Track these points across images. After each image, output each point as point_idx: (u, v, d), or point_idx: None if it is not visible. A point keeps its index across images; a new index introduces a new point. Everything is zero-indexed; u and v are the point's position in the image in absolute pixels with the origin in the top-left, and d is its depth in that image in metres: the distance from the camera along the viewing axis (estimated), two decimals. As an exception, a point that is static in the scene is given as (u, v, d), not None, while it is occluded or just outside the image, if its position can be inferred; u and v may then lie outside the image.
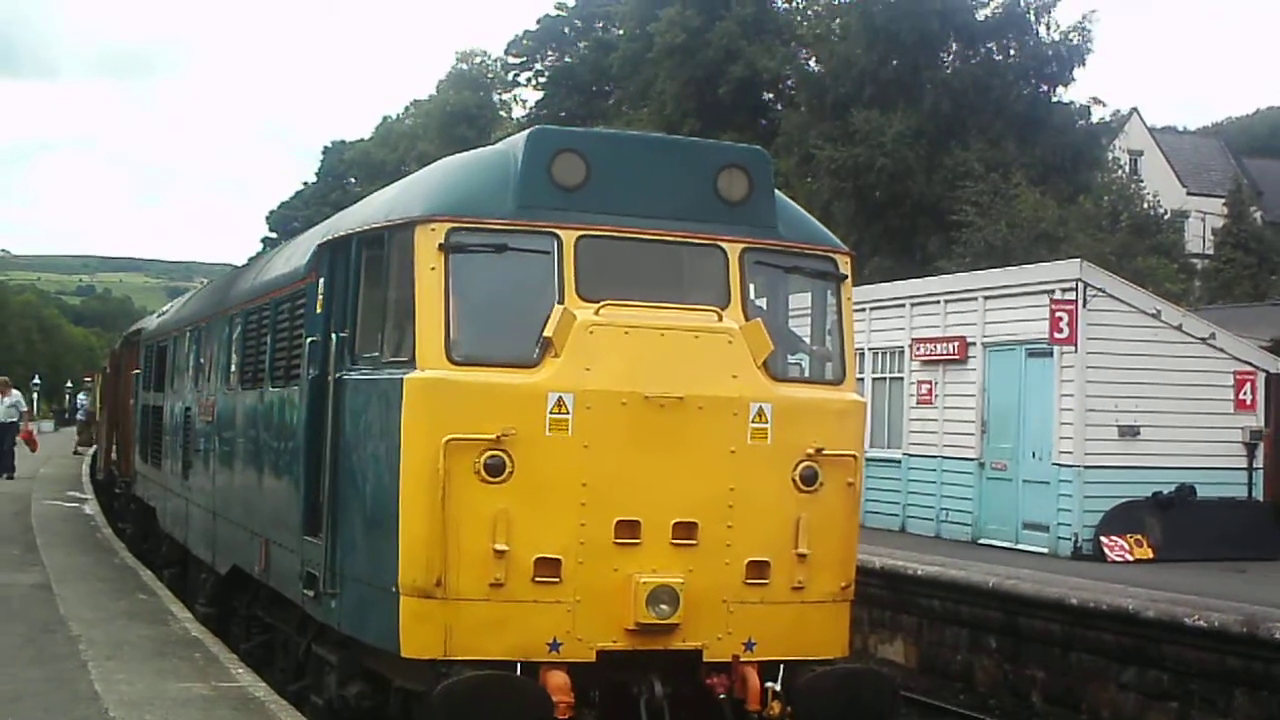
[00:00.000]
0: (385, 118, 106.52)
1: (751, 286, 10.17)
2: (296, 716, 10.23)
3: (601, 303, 9.26)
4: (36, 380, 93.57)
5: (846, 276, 10.46)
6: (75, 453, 48.73)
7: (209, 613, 15.25)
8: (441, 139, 75.71)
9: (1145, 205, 45.38)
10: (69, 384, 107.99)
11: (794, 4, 57.32)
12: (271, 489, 12.17)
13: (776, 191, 10.38)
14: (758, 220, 10.02)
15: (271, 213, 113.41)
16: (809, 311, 10.66)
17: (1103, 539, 20.71)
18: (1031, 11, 42.72)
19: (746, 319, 9.71)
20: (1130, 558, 20.52)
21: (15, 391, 33.03)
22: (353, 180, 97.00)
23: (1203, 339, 21.96)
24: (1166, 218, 47.64)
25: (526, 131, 10.02)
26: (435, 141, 75.94)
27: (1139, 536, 20.83)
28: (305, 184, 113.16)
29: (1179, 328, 21.92)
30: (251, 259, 23.47)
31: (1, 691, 10.63)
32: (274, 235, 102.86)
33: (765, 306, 10.62)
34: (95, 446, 39.71)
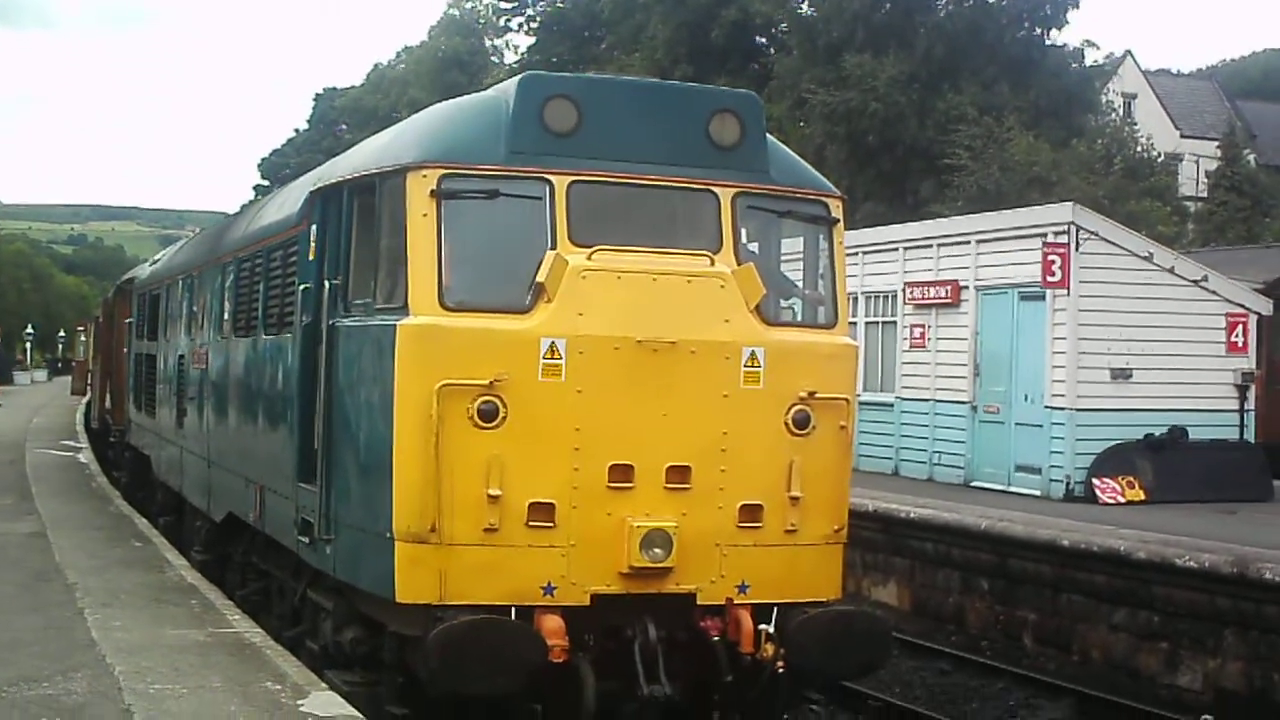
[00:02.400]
0: (376, 64, 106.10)
1: (744, 231, 10.15)
2: (292, 662, 10.29)
3: (594, 248, 9.26)
4: (29, 331, 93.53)
5: (838, 220, 10.46)
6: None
7: (205, 560, 15.33)
8: (433, 85, 75.34)
9: (1139, 148, 45.29)
10: (61, 333, 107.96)
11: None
12: (266, 436, 12.20)
13: (768, 136, 10.35)
14: (749, 165, 10.01)
15: (263, 160, 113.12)
16: (801, 255, 10.65)
17: (1095, 481, 20.81)
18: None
19: (739, 263, 9.71)
20: (1122, 499, 20.63)
21: None
22: (344, 127, 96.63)
23: (1195, 281, 21.99)
24: (1160, 161, 47.57)
25: (518, 77, 9.98)
26: (427, 88, 75.57)
27: (1131, 478, 20.93)
28: (297, 131, 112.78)
29: (1171, 270, 21.94)
30: (244, 206, 23.42)
31: (-1, 639, 10.69)
32: (266, 183, 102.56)
33: (758, 251, 10.63)
34: (89, 395, 39.76)
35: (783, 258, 10.80)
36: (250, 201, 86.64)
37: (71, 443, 31.83)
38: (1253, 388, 22.14)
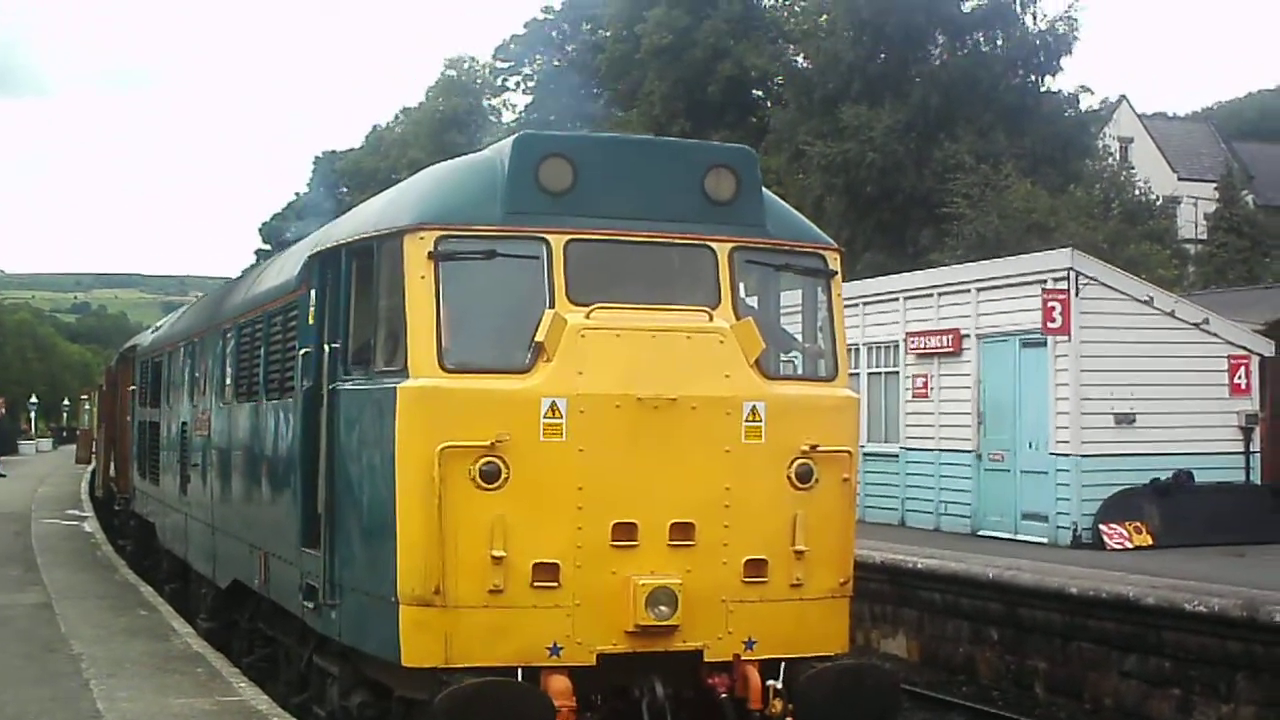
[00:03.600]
0: (375, 126, 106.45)
1: (742, 285, 10.17)
2: (300, 728, 10.24)
3: (592, 306, 9.27)
4: (34, 400, 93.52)
5: (836, 273, 10.48)
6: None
7: (210, 627, 15.28)
8: (432, 145, 75.60)
9: (1137, 192, 45.38)
10: (66, 401, 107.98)
11: (780, 0, 57.32)
12: (269, 502, 12.18)
13: (764, 190, 10.38)
14: (746, 219, 10.03)
15: (264, 224, 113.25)
16: (800, 308, 10.67)
17: (1102, 527, 20.76)
18: (1017, 2, 42.66)
19: (738, 318, 9.72)
20: (1130, 545, 20.56)
21: None
22: (344, 189, 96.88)
23: (1196, 324, 22.00)
24: (1158, 204, 47.64)
25: (513, 137, 10.02)
26: (425, 148, 75.82)
27: (1138, 524, 20.87)
28: (297, 194, 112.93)
29: (1172, 314, 21.96)
30: (244, 271, 23.44)
31: (5, 712, 10.64)
32: (267, 247, 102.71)
33: (756, 305, 10.66)
34: (94, 463, 39.74)
35: (782, 310, 10.82)
36: (251, 266, 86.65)
37: (76, 512, 31.79)
38: (1257, 429, 22.11)
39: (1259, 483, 22.11)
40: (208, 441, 15.37)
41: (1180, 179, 65.10)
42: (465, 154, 11.63)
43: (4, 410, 29.87)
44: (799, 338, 10.73)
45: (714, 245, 9.86)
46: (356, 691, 10.05)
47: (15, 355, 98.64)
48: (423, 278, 9.30)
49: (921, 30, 42.86)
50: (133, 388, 23.69)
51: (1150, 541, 20.68)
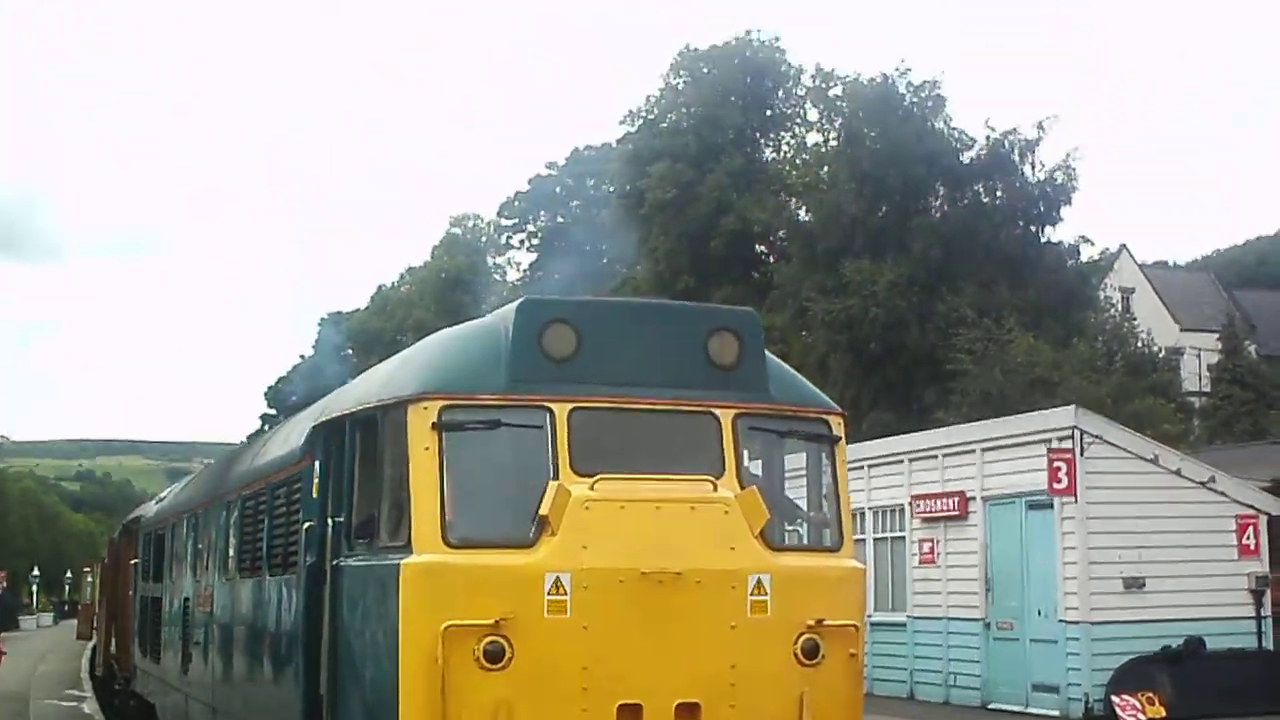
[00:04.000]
0: (380, 286, 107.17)
1: (745, 451, 10.11)
2: None
3: (596, 477, 9.18)
4: (35, 572, 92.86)
5: (840, 438, 10.41)
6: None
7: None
8: (437, 305, 76.09)
9: (1139, 344, 45.49)
10: (68, 574, 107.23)
11: (782, 154, 58.03)
12: (271, 681, 11.99)
13: (767, 353, 10.36)
14: (749, 384, 9.99)
15: (269, 388, 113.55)
16: (804, 472, 10.59)
17: (1114, 699, 20.39)
18: (1016, 152, 43.14)
19: (742, 487, 9.62)
20: (1143, 717, 20.18)
21: None
22: (350, 350, 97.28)
23: (1202, 483, 21.89)
24: (1161, 356, 47.74)
25: (516, 303, 9.99)
26: (431, 308, 76.32)
27: (1150, 694, 20.49)
28: (302, 357, 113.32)
29: (1178, 472, 21.86)
30: (249, 439, 23.48)
31: None
32: (272, 411, 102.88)
33: (761, 471, 10.58)
34: (95, 639, 39.32)
35: (786, 474, 10.73)
36: (256, 432, 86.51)
37: (76, 692, 31.37)
38: (1268, 591, 21.81)
39: (1272, 649, 21.73)
40: (210, 618, 15.18)
41: (1183, 329, 65.33)
42: (470, 313, 11.66)
43: (5, 585, 29.20)
44: (803, 504, 10.63)
45: (717, 411, 9.81)
46: None
47: (19, 525, 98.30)
48: (426, 449, 9.24)
49: (922, 182, 43.38)
50: (135, 561, 23.50)
51: (1164, 713, 20.31)
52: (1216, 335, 57.87)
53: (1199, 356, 59.34)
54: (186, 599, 16.96)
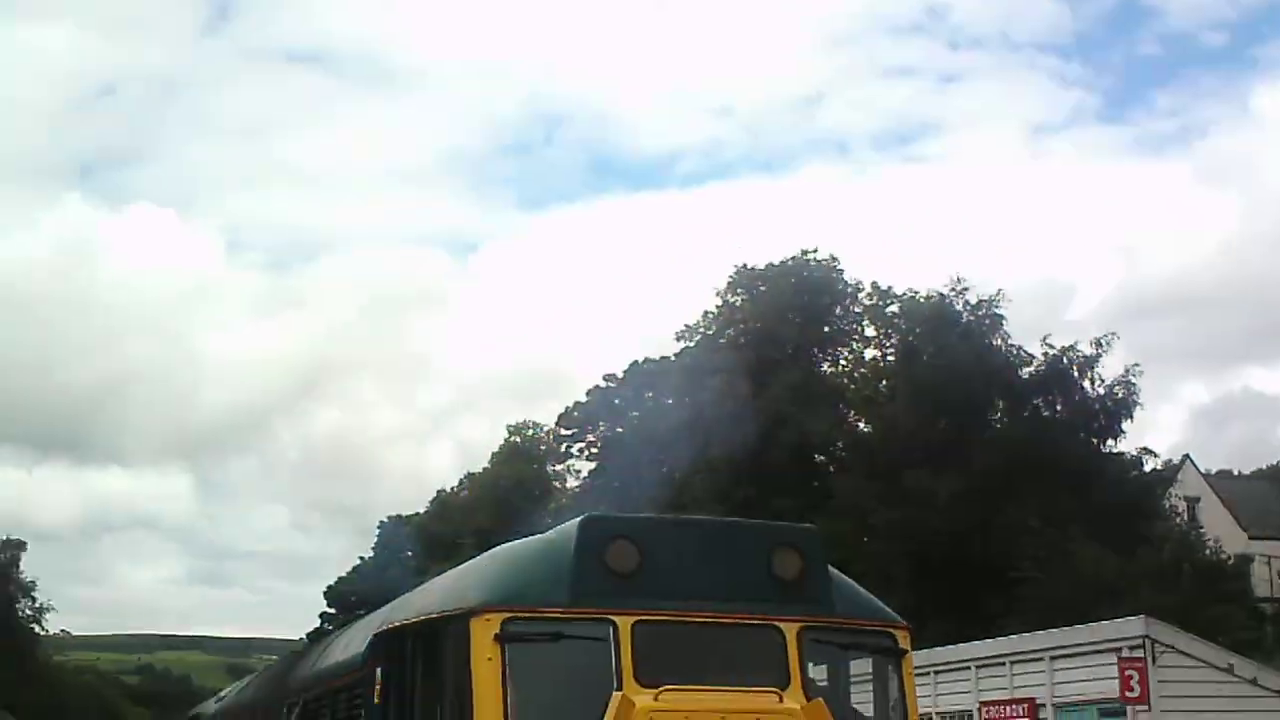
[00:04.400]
0: (440, 491, 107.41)
1: (810, 663, 10.04)
2: None
3: (660, 688, 9.13)
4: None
5: (906, 651, 10.34)
6: None
7: None
8: (496, 511, 76.05)
9: (1207, 551, 44.86)
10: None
11: (840, 367, 58.24)
12: None
13: (831, 568, 10.34)
14: (813, 598, 9.98)
15: (329, 588, 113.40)
16: (870, 679, 10.48)
17: None
18: (1075, 368, 43.18)
19: (807, 699, 9.54)
20: None
21: None
22: (410, 554, 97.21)
23: (1277, 692, 21.49)
24: (1230, 563, 47.02)
25: (578, 519, 10.06)
26: (490, 514, 76.28)
27: None
28: (362, 559, 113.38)
29: (1254, 681, 21.52)
30: (309, 641, 23.49)
31: None
32: (332, 610, 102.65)
33: (826, 681, 10.49)
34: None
35: (852, 679, 10.63)
36: (315, 630, 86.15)
37: None
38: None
39: None
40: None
41: (1250, 537, 64.39)
42: (529, 519, 11.70)
43: None
44: (870, 714, 10.51)
45: (781, 625, 9.78)
46: None
47: (80, 718, 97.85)
48: (489, 659, 9.24)
49: (981, 396, 43.44)
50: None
51: None
52: (1286, 544, 57.02)
53: (1269, 563, 58.39)
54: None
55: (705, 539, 10.09)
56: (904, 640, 10.35)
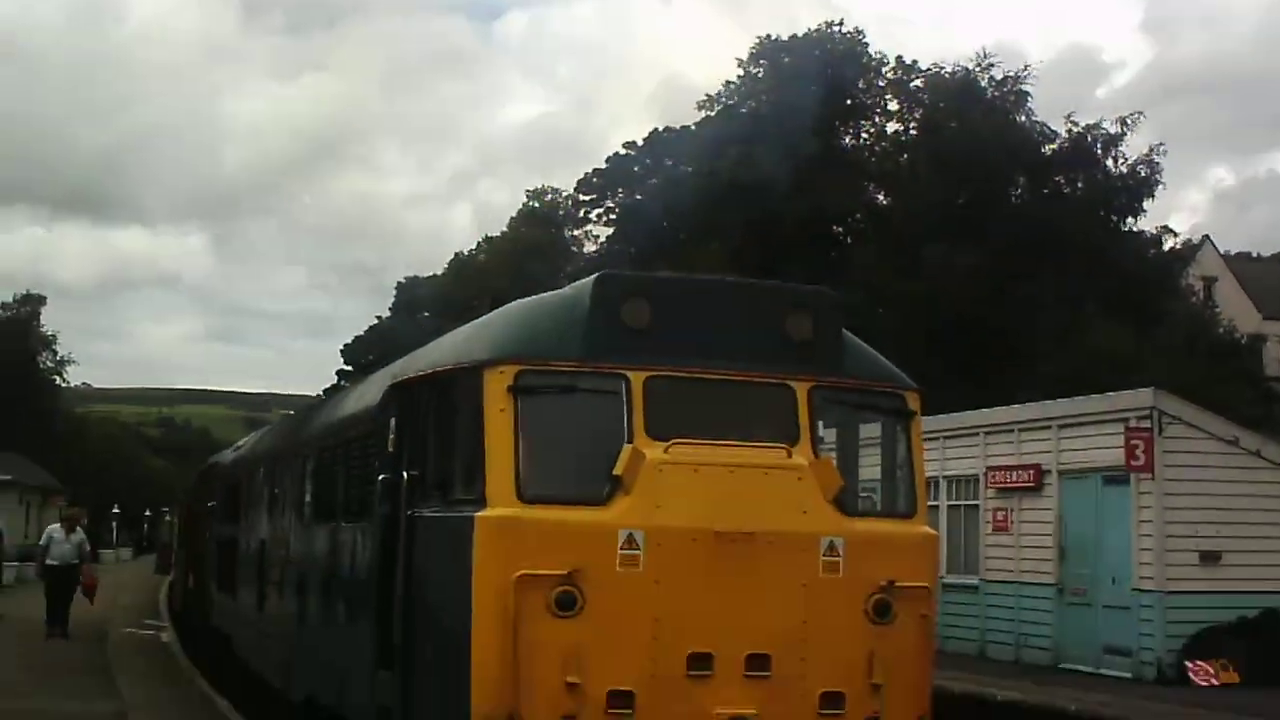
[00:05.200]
0: (457, 254, 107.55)
1: (820, 422, 10.18)
2: None
3: (670, 441, 9.30)
4: (116, 510, 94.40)
5: (916, 413, 10.47)
6: None
7: (284, 744, 15.26)
8: (513, 274, 76.20)
9: (1221, 330, 44.98)
10: (147, 513, 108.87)
11: (861, 141, 57.64)
12: (344, 622, 12.23)
13: (843, 330, 10.42)
14: (825, 359, 10.07)
15: (346, 347, 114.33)
16: (879, 442, 10.66)
17: (1188, 663, 20.48)
18: (1098, 146, 42.71)
19: (816, 456, 9.73)
20: (1216, 682, 20.31)
21: (81, 530, 28.62)
22: (425, 315, 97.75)
23: (1282, 464, 21.75)
24: (1244, 342, 47.17)
25: (593, 276, 10.13)
26: (507, 276, 76.46)
27: (1225, 661, 20.59)
28: (379, 319, 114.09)
29: (1258, 453, 21.78)
30: (326, 392, 23.83)
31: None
32: (349, 368, 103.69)
33: (835, 441, 10.67)
34: (173, 574, 40.11)
35: (861, 441, 10.79)
36: (332, 386, 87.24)
37: (155, 622, 31.99)
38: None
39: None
40: (285, 559, 15.48)
41: (1264, 318, 64.49)
42: (546, 284, 11.80)
43: (86, 520, 29.93)
44: (878, 473, 10.71)
45: (793, 384, 9.89)
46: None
47: (101, 467, 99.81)
48: (502, 411, 9.39)
49: (1003, 172, 43.06)
50: (213, 503, 23.92)
51: (1238, 679, 20.41)
52: (1299, 325, 57.10)
53: (1281, 344, 58.54)
54: (263, 540, 17.29)
55: (719, 299, 10.15)
56: (913, 402, 10.48)
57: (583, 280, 10.40)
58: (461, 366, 9.96)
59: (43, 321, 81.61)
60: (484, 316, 11.45)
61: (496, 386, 9.43)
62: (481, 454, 9.40)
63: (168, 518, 64.07)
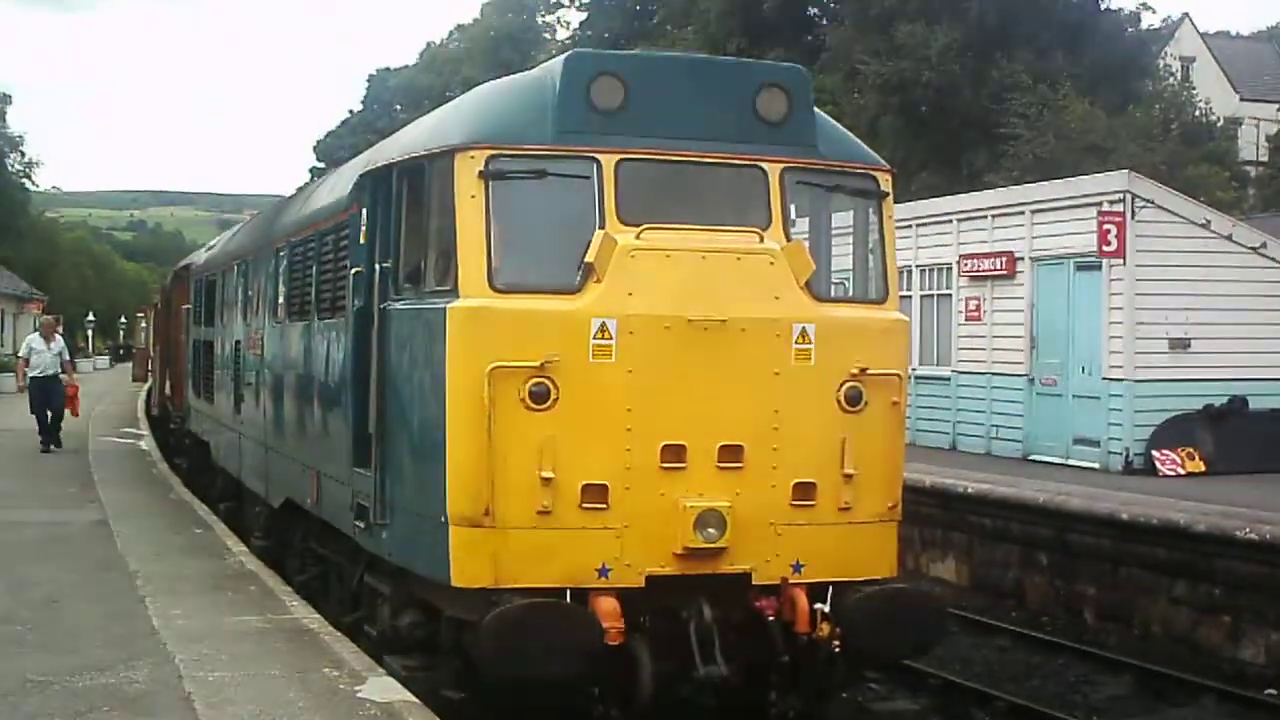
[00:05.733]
0: (429, 43, 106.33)
1: (793, 206, 10.11)
2: (349, 646, 10.35)
3: (643, 226, 9.22)
4: (90, 317, 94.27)
5: (888, 194, 10.40)
6: None
7: (264, 546, 15.42)
8: (486, 63, 75.38)
9: (1197, 112, 44.69)
10: (122, 319, 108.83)
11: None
12: (321, 421, 12.25)
13: (816, 110, 10.28)
14: (798, 139, 9.94)
15: (319, 142, 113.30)
16: (851, 229, 10.59)
17: (1154, 453, 20.66)
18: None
19: (788, 239, 9.67)
20: (1182, 471, 20.47)
21: (60, 338, 27.48)
22: (398, 107, 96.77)
23: (1253, 248, 21.78)
24: (1219, 125, 46.92)
25: (564, 56, 9.95)
26: (480, 66, 75.64)
27: (1191, 449, 20.77)
28: (351, 112, 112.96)
29: (1229, 238, 21.74)
30: (298, 189, 23.50)
31: (62, 627, 10.81)
32: (321, 165, 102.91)
33: (808, 226, 10.60)
34: (150, 381, 40.13)
35: (834, 232, 10.74)
36: (305, 184, 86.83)
37: (133, 430, 32.15)
38: (1314, 354, 21.85)
39: (1315, 409, 21.89)
40: (260, 360, 15.45)
41: (1242, 99, 64.08)
42: (519, 70, 11.58)
43: (60, 328, 29.47)
44: (850, 257, 10.66)
45: (765, 165, 9.79)
46: (406, 611, 10.09)
47: (72, 273, 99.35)
48: (473, 197, 9.28)
49: (981, -55, 42.27)
50: (187, 306, 23.82)
51: (1203, 468, 20.58)
52: (1277, 106, 56.72)
53: (1258, 126, 58.22)
54: (238, 342, 17.24)
55: (692, 76, 9.96)
56: (885, 183, 10.39)
57: (553, 60, 10.21)
58: (431, 152, 9.82)
59: (8, 122, 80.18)
60: (454, 101, 11.28)
61: (467, 171, 9.31)
62: (453, 242, 9.33)
63: (143, 324, 63.87)
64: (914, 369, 23.10)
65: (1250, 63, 72.66)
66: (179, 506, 18.83)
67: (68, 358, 27.33)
